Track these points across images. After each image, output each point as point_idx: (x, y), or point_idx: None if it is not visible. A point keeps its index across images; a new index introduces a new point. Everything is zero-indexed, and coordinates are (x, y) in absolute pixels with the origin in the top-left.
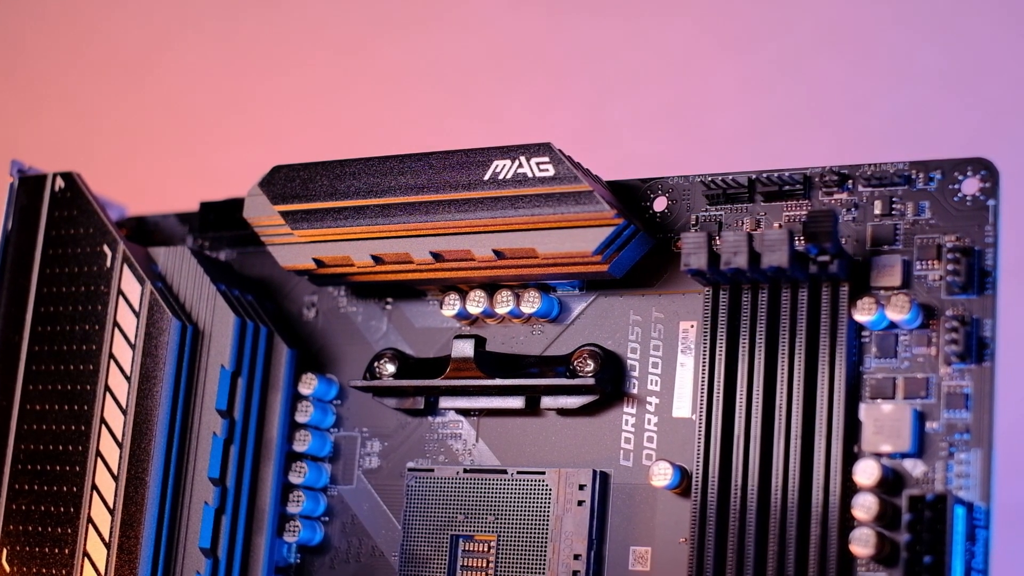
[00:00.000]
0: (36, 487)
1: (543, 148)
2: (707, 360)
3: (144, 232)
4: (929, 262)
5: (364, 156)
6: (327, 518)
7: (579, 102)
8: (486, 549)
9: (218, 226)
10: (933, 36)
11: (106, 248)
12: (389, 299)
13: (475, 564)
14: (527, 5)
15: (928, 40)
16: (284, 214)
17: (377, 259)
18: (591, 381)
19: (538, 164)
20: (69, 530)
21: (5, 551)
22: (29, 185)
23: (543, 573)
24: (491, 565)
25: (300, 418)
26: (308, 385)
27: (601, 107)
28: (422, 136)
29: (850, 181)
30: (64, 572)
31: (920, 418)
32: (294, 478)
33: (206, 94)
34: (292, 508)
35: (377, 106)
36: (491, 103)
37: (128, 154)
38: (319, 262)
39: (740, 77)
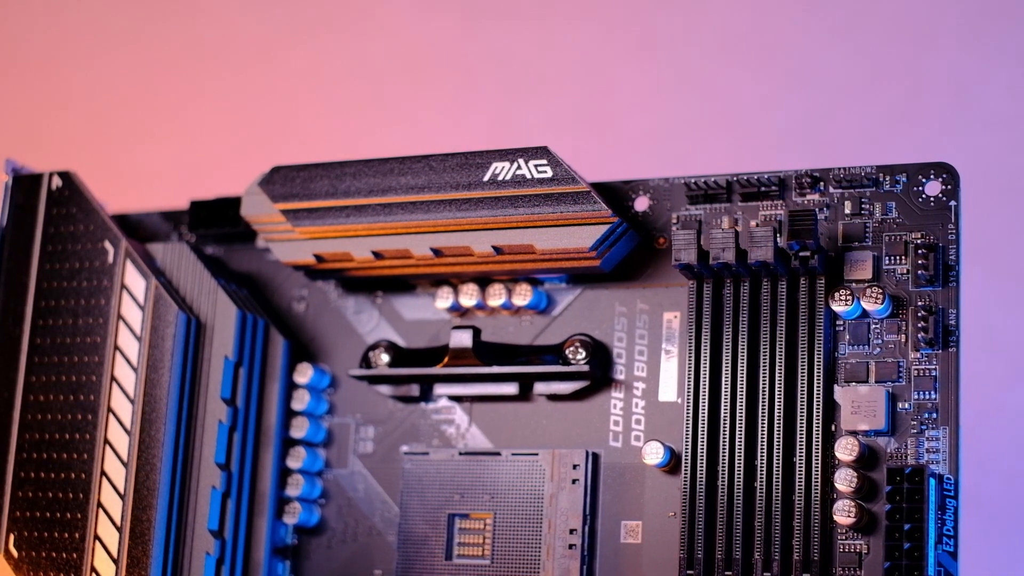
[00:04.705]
0: (43, 475)
1: (541, 151)
2: (693, 348)
3: (128, 229)
4: (897, 257)
5: (353, 159)
6: (323, 500)
7: (490, 106)
8: (483, 526)
9: (208, 223)
10: (832, 43)
11: (107, 244)
12: (379, 292)
13: (472, 541)
14: (438, 11)
15: (827, 47)
16: (285, 212)
17: (377, 255)
18: (585, 368)
19: (536, 166)
20: (79, 515)
21: (12, 537)
22: (25, 184)
23: (540, 547)
24: (488, 541)
25: (296, 406)
26: (303, 375)
27: (511, 111)
28: (339, 140)
29: (822, 183)
30: (75, 556)
31: (892, 399)
32: (292, 463)
33: (153, 95)
34: (291, 491)
35: (291, 112)
36: (404, 108)
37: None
38: (319, 258)
39: (647, 81)
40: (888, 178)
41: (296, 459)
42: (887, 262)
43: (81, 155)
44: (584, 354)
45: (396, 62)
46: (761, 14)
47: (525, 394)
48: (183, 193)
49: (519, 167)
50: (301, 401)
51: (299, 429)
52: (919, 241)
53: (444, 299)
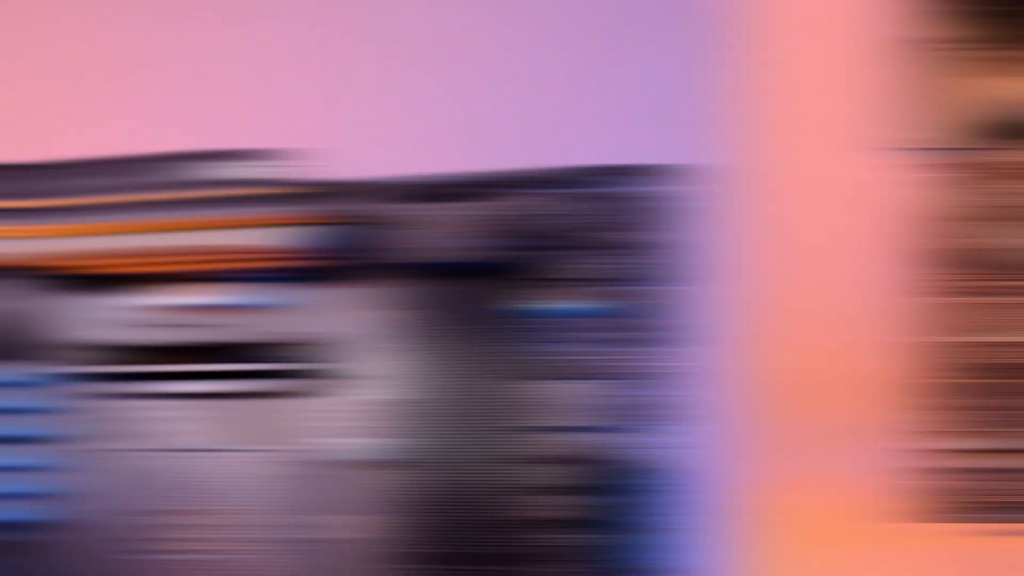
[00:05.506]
0: None
1: (251, 152)
2: (404, 347)
3: None
4: (605, 256)
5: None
6: (36, 501)
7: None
8: (195, 524)
9: None
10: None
11: None
12: (82, 292)
13: (184, 538)
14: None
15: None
16: None
17: (79, 255)
18: (298, 367)
19: (246, 167)
20: None
21: None
22: None
23: (252, 545)
24: (200, 540)
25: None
26: (9, 374)
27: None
28: (41, 141)
29: (526, 184)
30: None
31: (606, 396)
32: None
33: None
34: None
35: None
36: (105, 108)
37: None
38: (19, 258)
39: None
40: (591, 178)
41: (6, 458)
42: (596, 261)
43: None
44: (297, 352)
45: (87, 60)
46: (436, 15)
47: (238, 392)
48: None
49: (227, 168)
50: (10, 400)
51: (8, 428)
52: (626, 239)
53: (152, 298)
